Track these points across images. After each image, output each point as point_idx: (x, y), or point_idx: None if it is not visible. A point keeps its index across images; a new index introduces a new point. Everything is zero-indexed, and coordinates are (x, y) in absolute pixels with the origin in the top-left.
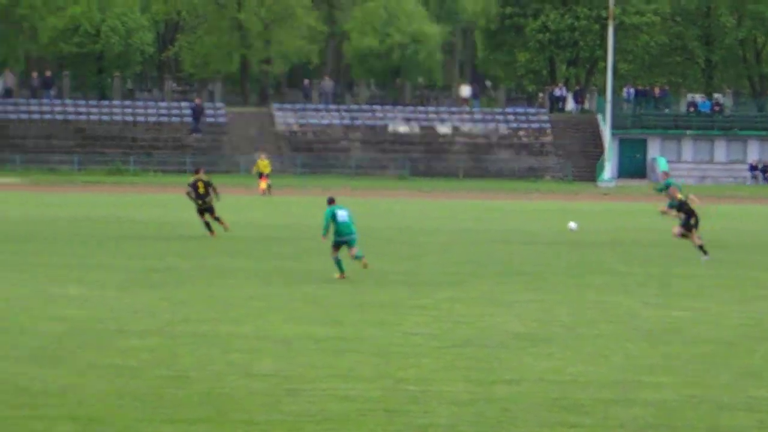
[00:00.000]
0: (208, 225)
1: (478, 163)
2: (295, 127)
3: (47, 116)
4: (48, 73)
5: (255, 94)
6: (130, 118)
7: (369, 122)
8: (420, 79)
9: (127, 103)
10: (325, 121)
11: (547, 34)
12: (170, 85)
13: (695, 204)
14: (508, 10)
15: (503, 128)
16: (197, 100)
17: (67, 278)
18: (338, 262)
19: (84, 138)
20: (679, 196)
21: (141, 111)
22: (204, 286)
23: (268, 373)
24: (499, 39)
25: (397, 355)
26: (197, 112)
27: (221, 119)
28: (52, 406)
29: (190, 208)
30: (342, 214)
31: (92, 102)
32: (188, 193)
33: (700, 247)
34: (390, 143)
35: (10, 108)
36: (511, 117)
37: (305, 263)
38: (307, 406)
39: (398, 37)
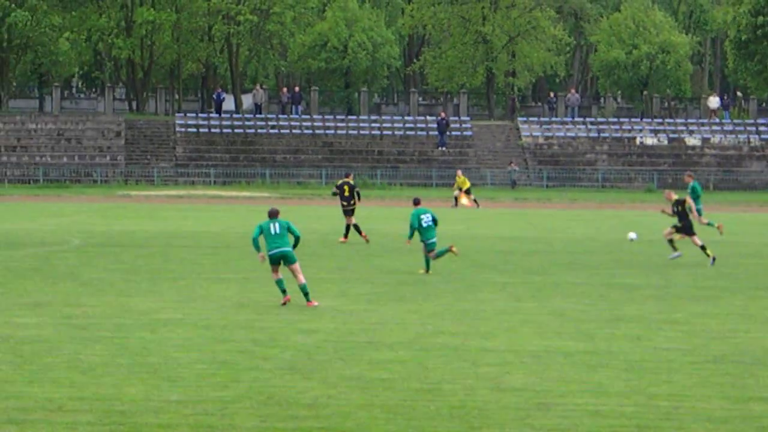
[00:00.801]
0: (348, 228)
1: (728, 175)
2: (541, 140)
3: (296, 131)
4: (296, 89)
5: (500, 107)
6: (376, 132)
7: (616, 135)
8: (668, 91)
9: (374, 117)
10: (571, 134)
11: None
12: (416, 98)
13: (691, 211)
14: (760, 19)
15: (755, 140)
16: (443, 114)
17: (317, 291)
18: (427, 261)
19: (331, 152)
20: (675, 197)
21: (387, 125)
22: (453, 299)
23: (519, 387)
24: (751, 49)
25: (649, 370)
26: (443, 126)
27: (467, 132)
28: (304, 417)
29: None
30: (427, 218)
31: (339, 116)
32: (334, 193)
33: (702, 248)
34: (637, 156)
35: (260, 123)
36: (763, 128)
37: (553, 276)
38: (559, 421)
39: (646, 48)
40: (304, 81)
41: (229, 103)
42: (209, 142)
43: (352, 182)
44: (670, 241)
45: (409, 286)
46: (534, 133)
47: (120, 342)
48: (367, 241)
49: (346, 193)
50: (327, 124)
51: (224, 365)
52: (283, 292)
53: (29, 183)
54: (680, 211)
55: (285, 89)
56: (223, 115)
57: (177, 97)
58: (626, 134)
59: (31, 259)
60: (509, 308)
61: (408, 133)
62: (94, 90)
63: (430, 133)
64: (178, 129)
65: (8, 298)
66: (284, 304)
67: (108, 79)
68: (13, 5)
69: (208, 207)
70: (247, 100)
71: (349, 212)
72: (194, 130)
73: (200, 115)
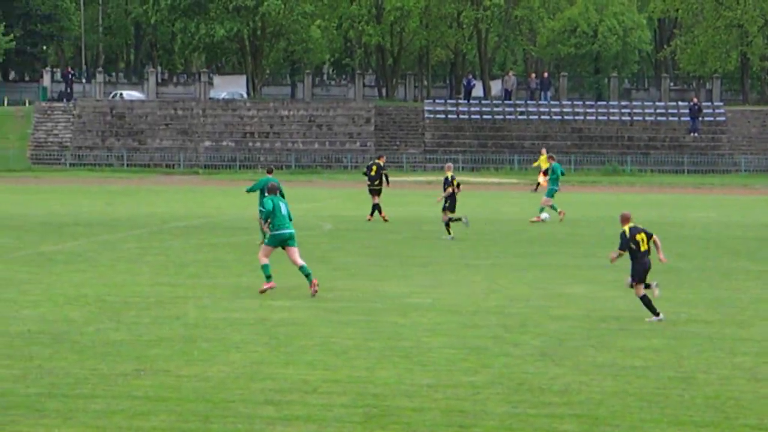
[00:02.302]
0: (374, 208)
1: None
2: None
3: (544, 117)
4: (545, 75)
5: (755, 92)
6: (626, 118)
7: None
8: None
9: (624, 102)
10: None
11: None
12: (667, 84)
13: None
14: None
15: None
16: (695, 99)
17: (568, 277)
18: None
19: (580, 138)
20: (448, 174)
21: (638, 111)
22: (706, 287)
23: None
24: None
25: None
26: (695, 111)
27: (720, 118)
28: (556, 404)
29: (686, 209)
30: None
31: (589, 102)
32: (364, 173)
33: (446, 225)
34: None
35: (508, 109)
36: None
37: None
38: None
39: None
40: (552, 67)
41: (477, 89)
42: (457, 128)
43: (381, 164)
44: (450, 220)
45: (660, 274)
46: None
47: (372, 326)
48: (386, 220)
49: (372, 173)
50: (576, 110)
51: (475, 350)
52: (268, 278)
53: (282, 168)
54: (445, 188)
55: (533, 75)
56: (471, 102)
57: (426, 83)
58: None
59: None
60: (766, 296)
61: (659, 119)
62: (344, 77)
63: (682, 119)
64: (426, 115)
65: (263, 281)
66: (263, 291)
67: (358, 66)
68: None
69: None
70: (495, 86)
71: (373, 192)
72: (443, 116)
73: (449, 101)
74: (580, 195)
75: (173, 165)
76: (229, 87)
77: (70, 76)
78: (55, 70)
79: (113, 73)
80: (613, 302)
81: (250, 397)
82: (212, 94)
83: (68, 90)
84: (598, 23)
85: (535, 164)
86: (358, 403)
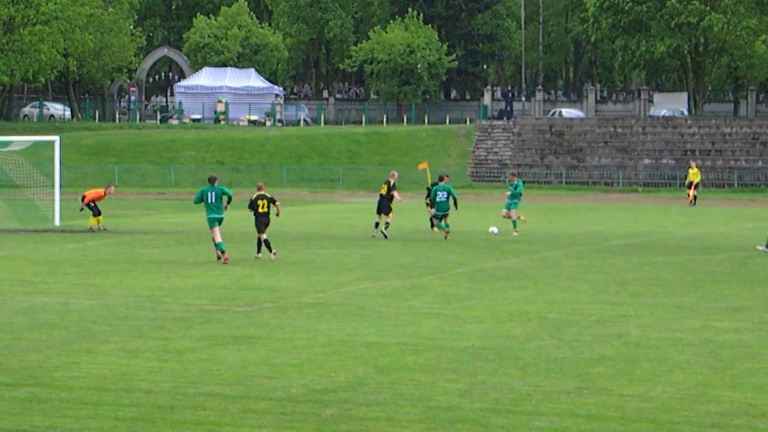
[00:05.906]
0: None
1: None
2: None
3: None
4: None
5: None
6: None
7: None
8: None
9: None
10: None
11: None
12: None
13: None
14: None
15: None
16: None
17: None
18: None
19: None
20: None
21: None
22: None
23: None
24: None
25: None
26: None
27: None
28: None
29: None
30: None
31: None
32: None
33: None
34: None
35: None
36: None
37: None
38: None
39: None
40: None
41: None
42: None
43: (268, 195)
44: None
45: None
46: None
47: None
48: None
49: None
50: None
51: None
52: (222, 252)
53: (723, 187)
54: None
55: None
56: None
57: None
58: None
59: (728, 263)
60: None
61: None
62: None
63: None
64: None
65: (707, 301)
66: (225, 262)
67: None
68: (708, 8)
69: None
70: None
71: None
72: None
73: None
74: None
75: (612, 183)
76: (670, 104)
77: (510, 94)
78: (495, 88)
79: (552, 91)
80: None
81: (696, 419)
82: (652, 111)
83: (508, 108)
84: None
85: (688, 180)
86: None
